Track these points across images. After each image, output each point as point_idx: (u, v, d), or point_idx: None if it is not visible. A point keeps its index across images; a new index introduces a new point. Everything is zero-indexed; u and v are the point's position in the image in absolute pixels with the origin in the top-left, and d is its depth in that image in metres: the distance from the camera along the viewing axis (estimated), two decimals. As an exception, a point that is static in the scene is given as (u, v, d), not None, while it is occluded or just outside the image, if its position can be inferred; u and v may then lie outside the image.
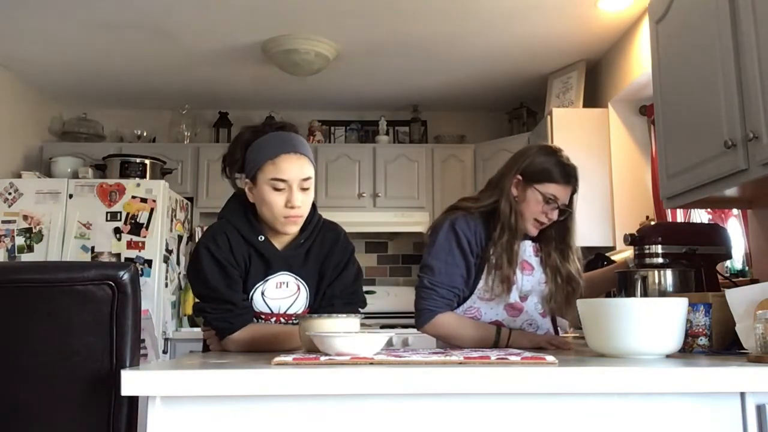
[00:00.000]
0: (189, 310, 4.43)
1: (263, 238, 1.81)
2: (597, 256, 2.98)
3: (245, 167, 1.81)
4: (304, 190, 1.77)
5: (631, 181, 3.90)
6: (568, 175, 1.89)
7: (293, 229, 1.81)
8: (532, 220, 1.90)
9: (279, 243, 1.84)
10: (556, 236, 1.95)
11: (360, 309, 1.90)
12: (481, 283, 1.89)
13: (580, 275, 1.96)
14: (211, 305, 1.77)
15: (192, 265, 1.82)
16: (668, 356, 1.40)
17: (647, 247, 2.10)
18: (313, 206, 1.88)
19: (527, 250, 1.95)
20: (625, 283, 2.06)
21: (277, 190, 1.74)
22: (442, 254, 1.88)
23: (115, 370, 1.30)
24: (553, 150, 1.94)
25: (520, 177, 1.91)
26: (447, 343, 1.92)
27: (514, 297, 1.91)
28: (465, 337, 1.86)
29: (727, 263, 2.79)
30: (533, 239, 1.97)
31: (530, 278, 1.93)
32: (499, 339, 1.85)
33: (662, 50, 2.38)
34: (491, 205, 1.93)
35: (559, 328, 3.23)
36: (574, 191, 1.93)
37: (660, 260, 2.07)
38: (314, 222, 1.88)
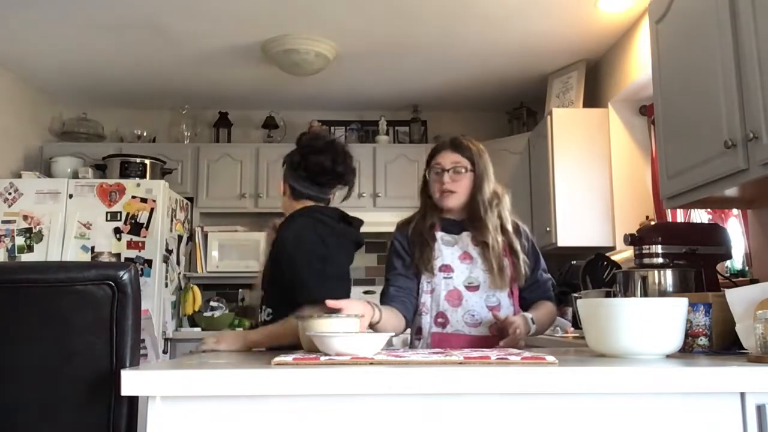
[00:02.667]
0: (189, 310, 4.43)
1: None
2: (597, 256, 2.98)
3: None
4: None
5: (631, 181, 3.90)
6: (445, 143, 2.07)
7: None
8: (438, 194, 2.04)
9: None
10: (473, 214, 2.04)
11: None
12: (425, 275, 2.01)
13: (510, 245, 2.02)
14: None
15: None
16: (668, 356, 1.40)
17: (647, 247, 2.10)
18: None
19: (464, 241, 2.03)
20: (625, 283, 2.06)
21: None
22: (388, 263, 2.10)
23: (115, 370, 1.30)
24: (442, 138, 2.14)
25: (425, 169, 2.11)
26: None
27: (458, 283, 1.98)
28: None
29: (727, 263, 2.79)
30: (471, 231, 2.03)
31: (470, 266, 2.00)
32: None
33: (662, 50, 2.37)
34: (421, 205, 2.13)
35: (558, 327, 3.24)
36: (466, 158, 2.03)
37: (660, 260, 2.07)
38: None
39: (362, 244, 2.17)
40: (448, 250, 2.02)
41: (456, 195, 2.02)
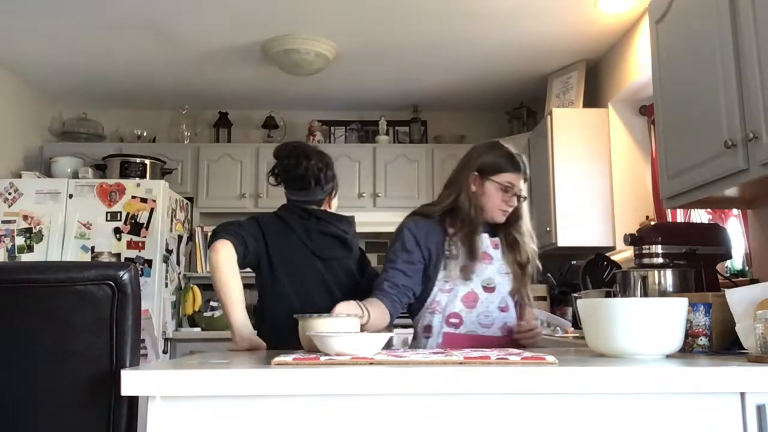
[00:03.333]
0: (189, 310, 4.43)
1: None
2: (597, 256, 2.98)
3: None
4: None
5: (631, 181, 3.90)
6: (517, 164, 2.04)
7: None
8: (497, 210, 2.02)
9: None
10: (512, 219, 2.08)
11: None
12: (441, 275, 1.99)
13: (535, 257, 2.09)
14: None
15: None
16: (668, 356, 1.40)
17: (647, 247, 2.10)
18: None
19: (485, 242, 2.04)
20: (624, 283, 2.06)
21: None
22: (392, 255, 2.01)
23: (115, 370, 1.30)
24: (499, 145, 2.10)
25: (476, 174, 2.03)
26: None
27: (476, 285, 2.00)
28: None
29: (727, 263, 2.79)
30: (490, 232, 2.07)
31: (490, 267, 2.02)
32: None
33: (662, 50, 2.37)
34: (450, 203, 2.05)
35: (558, 327, 3.25)
36: (525, 179, 2.07)
37: (660, 260, 2.07)
38: None
39: (329, 233, 2.17)
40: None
41: (508, 214, 2.05)
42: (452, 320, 1.98)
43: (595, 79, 4.23)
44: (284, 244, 2.13)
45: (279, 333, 1.95)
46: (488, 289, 2.01)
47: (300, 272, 2.13)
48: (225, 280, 1.93)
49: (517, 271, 2.04)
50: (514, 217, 2.06)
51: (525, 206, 2.09)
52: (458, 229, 2.00)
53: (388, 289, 1.93)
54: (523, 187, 2.05)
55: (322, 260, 2.15)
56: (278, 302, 2.11)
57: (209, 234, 2.05)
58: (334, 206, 2.31)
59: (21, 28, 3.72)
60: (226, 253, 1.95)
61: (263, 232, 2.10)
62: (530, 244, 2.08)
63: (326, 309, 1.72)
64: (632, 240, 2.15)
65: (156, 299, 3.97)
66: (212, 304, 4.59)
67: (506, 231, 2.07)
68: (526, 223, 2.09)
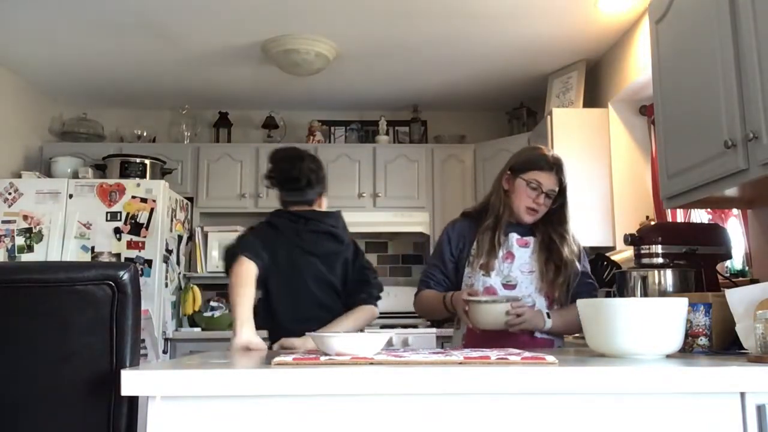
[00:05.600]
0: (189, 310, 4.44)
1: None
2: (597, 256, 2.98)
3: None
4: None
5: (631, 181, 3.90)
6: (549, 163, 2.08)
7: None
8: (524, 207, 2.09)
9: None
10: (554, 222, 2.13)
11: None
12: (467, 270, 2.12)
13: (576, 259, 2.10)
14: None
15: None
16: (668, 356, 1.40)
17: (647, 247, 2.10)
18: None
19: (511, 241, 2.10)
20: (624, 283, 2.06)
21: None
22: (431, 254, 2.28)
23: (115, 370, 1.29)
24: (537, 147, 2.19)
25: (509, 172, 2.14)
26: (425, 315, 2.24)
27: (495, 281, 2.07)
28: (426, 305, 2.19)
29: (727, 263, 2.79)
30: (523, 232, 2.11)
31: (512, 265, 2.08)
32: (444, 298, 2.07)
33: (662, 50, 2.37)
34: (485, 202, 2.20)
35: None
36: (561, 181, 2.09)
37: (660, 260, 2.07)
38: None
39: (318, 230, 2.27)
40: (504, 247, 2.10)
41: (538, 214, 2.09)
42: None
43: (595, 79, 4.23)
44: (280, 247, 2.23)
45: (286, 329, 2.12)
46: (508, 286, 2.07)
47: (299, 271, 2.23)
48: (241, 288, 2.04)
49: (544, 270, 2.06)
50: (558, 219, 2.10)
51: (569, 211, 2.12)
52: (485, 227, 2.10)
53: (434, 286, 2.16)
54: (554, 188, 2.07)
55: (317, 257, 2.25)
56: (283, 301, 2.24)
57: (225, 248, 2.18)
58: (325, 205, 2.39)
59: (21, 28, 3.72)
60: (248, 267, 2.08)
61: (266, 243, 2.21)
62: (571, 247, 2.09)
63: (328, 303, 2.18)
64: (632, 240, 2.15)
65: (156, 299, 3.97)
66: (212, 304, 4.59)
67: (544, 231, 2.11)
68: (569, 228, 2.12)
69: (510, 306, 1.91)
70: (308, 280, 2.23)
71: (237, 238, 2.21)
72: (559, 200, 2.11)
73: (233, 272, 2.07)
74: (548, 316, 2.00)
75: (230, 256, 2.12)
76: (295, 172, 2.29)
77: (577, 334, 2.92)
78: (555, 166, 2.08)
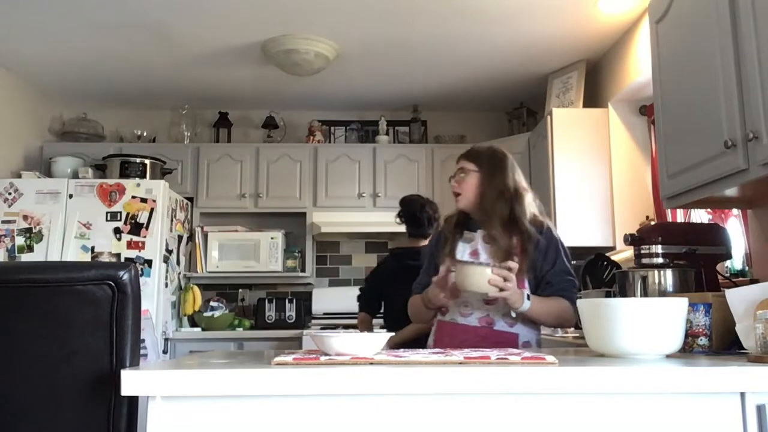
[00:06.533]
0: (189, 310, 4.44)
1: None
2: (597, 256, 2.98)
3: None
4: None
5: (631, 181, 3.90)
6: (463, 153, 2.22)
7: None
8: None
9: None
10: (491, 217, 2.14)
11: None
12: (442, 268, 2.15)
13: (538, 226, 2.09)
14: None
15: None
16: (668, 356, 1.40)
17: (647, 247, 2.10)
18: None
19: (478, 239, 2.12)
20: (624, 283, 2.06)
21: None
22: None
23: (115, 370, 1.29)
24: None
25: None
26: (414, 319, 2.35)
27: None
28: (413, 309, 2.25)
29: (727, 263, 2.79)
30: (482, 228, 2.13)
31: (475, 260, 2.10)
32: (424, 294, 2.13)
33: (662, 50, 2.37)
34: None
35: (558, 328, 3.24)
36: (467, 159, 2.18)
37: (660, 260, 2.07)
38: None
39: (404, 264, 3.03)
40: (462, 246, 2.12)
41: (462, 196, 2.15)
42: (442, 308, 2.13)
43: (595, 79, 4.23)
44: (387, 278, 3.21)
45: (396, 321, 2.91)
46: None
47: (399, 287, 2.65)
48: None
49: (496, 263, 2.02)
50: (480, 199, 2.11)
51: (482, 182, 2.12)
52: (452, 222, 2.21)
53: (417, 286, 2.26)
54: (465, 164, 2.15)
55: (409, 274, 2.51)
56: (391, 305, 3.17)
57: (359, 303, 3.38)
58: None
59: (21, 28, 3.72)
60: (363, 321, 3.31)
61: (375, 285, 3.31)
62: (514, 237, 2.05)
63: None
64: (632, 240, 2.15)
65: (156, 299, 3.98)
66: (212, 304, 4.59)
67: (481, 219, 2.12)
68: (490, 194, 2.09)
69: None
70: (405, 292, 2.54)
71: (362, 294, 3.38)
72: (478, 177, 2.11)
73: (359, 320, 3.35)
74: (528, 298, 1.97)
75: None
76: (418, 214, 3.14)
77: (576, 334, 2.91)
78: (463, 153, 2.20)
